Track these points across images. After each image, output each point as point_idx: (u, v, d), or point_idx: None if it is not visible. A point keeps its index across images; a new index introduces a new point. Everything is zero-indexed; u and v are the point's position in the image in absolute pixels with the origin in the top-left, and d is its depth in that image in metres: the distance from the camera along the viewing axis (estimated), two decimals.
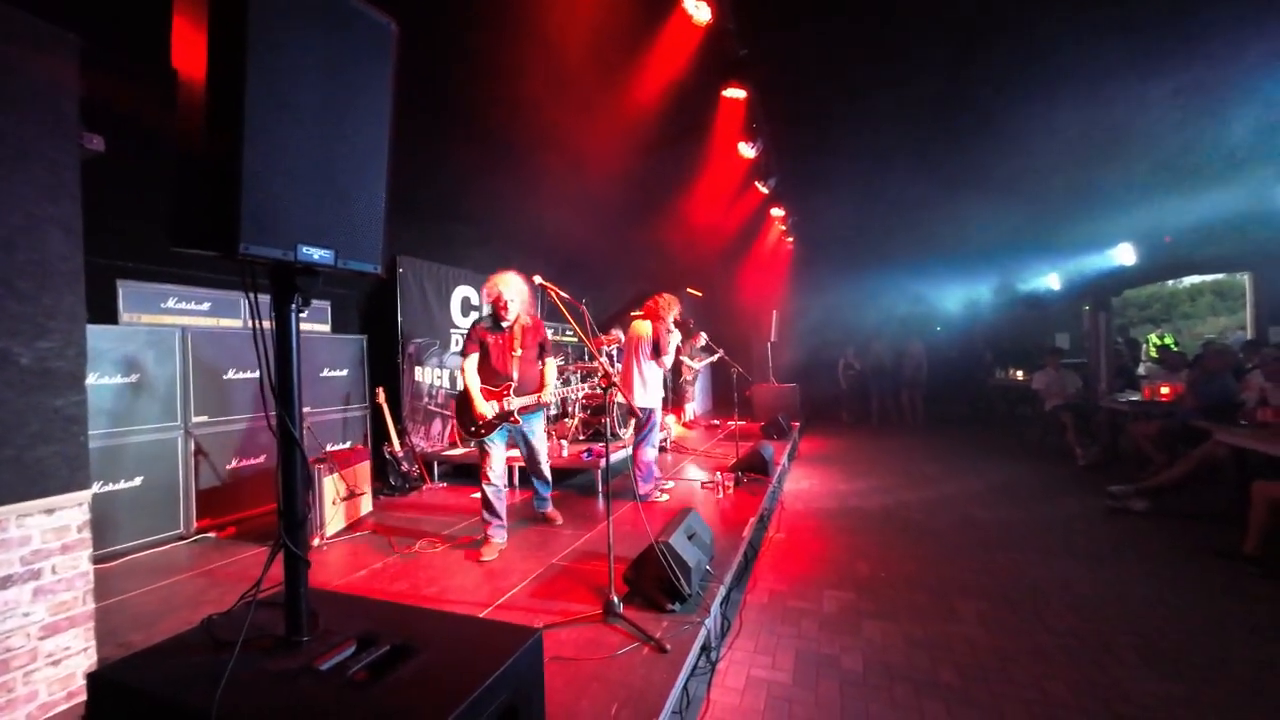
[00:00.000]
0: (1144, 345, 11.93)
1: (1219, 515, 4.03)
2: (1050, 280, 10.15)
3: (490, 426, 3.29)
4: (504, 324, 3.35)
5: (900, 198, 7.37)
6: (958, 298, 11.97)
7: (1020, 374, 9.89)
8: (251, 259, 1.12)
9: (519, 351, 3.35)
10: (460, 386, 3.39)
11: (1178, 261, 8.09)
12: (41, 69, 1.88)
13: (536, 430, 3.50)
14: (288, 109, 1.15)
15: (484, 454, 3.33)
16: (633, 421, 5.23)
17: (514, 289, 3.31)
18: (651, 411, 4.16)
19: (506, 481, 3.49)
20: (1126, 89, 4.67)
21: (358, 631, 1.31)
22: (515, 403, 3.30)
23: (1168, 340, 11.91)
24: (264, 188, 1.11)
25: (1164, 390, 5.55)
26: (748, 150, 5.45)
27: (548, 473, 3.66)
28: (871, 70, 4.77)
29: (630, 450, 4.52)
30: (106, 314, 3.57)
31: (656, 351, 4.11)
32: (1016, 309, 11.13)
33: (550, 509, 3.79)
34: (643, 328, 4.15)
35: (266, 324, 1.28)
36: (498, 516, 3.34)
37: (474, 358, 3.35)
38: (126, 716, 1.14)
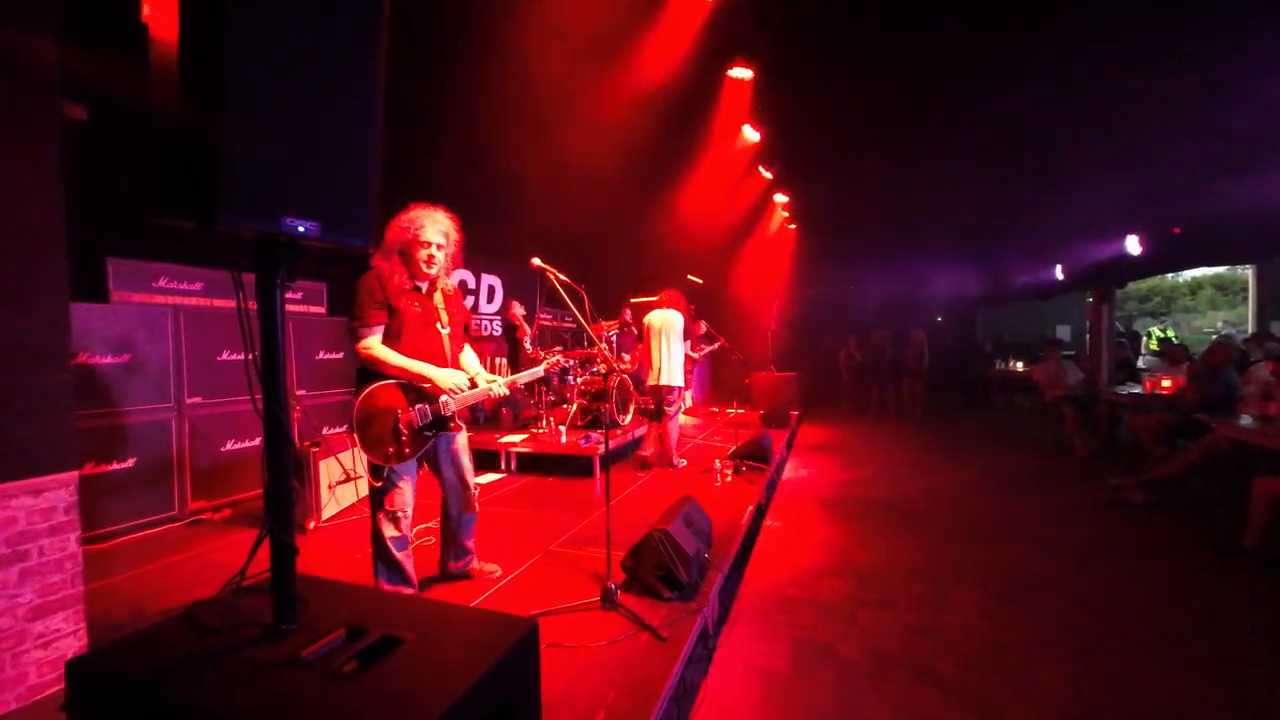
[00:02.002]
0: (1144, 338, 11.93)
1: (1218, 508, 4.02)
2: (1056, 271, 10.09)
3: (419, 442, 2.24)
4: (420, 284, 2.35)
5: (905, 184, 7.25)
6: (959, 287, 11.89)
7: (1020, 365, 9.88)
8: (232, 230, 1.06)
9: (447, 328, 2.35)
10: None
11: (1182, 253, 8.01)
12: (12, 26, 1.79)
13: (463, 444, 2.51)
14: (268, 65, 1.07)
15: (390, 488, 2.25)
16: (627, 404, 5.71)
17: (440, 229, 2.30)
18: (680, 388, 4.73)
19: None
20: (1142, 74, 4.56)
21: (347, 620, 1.27)
22: (455, 403, 2.32)
23: (1169, 334, 11.91)
24: (243, 153, 1.03)
25: (1165, 384, 5.53)
26: (752, 134, 5.35)
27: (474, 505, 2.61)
28: (879, 53, 4.64)
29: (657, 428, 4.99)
30: (96, 293, 3.50)
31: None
32: (1018, 300, 11.09)
33: (477, 563, 2.68)
34: (674, 316, 4.70)
35: (254, 304, 1.22)
36: (406, 581, 2.31)
37: (380, 331, 2.26)
38: (107, 706, 1.11)
